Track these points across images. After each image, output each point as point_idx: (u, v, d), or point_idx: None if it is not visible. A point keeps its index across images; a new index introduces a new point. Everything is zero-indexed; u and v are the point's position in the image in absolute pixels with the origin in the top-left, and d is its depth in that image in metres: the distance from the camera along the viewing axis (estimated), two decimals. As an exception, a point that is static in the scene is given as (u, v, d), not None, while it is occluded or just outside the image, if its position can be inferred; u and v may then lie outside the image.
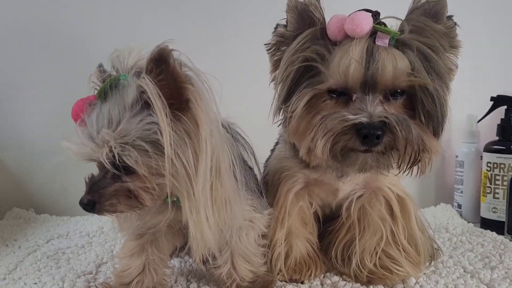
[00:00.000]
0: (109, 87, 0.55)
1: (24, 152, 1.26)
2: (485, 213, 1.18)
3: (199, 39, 1.25)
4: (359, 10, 0.62)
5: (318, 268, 0.79)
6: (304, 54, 0.62)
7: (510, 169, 1.12)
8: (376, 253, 0.75)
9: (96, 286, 0.75)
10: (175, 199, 0.61)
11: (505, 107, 1.18)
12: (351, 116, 0.59)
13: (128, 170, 0.55)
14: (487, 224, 1.17)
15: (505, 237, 1.04)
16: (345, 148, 0.60)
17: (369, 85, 0.60)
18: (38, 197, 1.14)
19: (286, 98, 0.65)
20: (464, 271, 0.82)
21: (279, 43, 0.67)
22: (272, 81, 0.70)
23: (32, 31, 1.23)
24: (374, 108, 0.60)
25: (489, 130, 1.23)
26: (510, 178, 1.08)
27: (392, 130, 0.58)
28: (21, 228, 1.14)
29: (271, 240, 0.75)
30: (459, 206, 1.27)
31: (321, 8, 0.64)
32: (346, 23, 0.60)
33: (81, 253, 0.95)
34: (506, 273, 0.80)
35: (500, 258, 0.89)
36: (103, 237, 1.05)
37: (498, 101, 1.18)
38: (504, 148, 1.15)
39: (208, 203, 0.56)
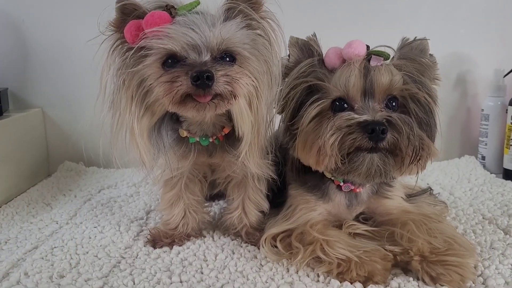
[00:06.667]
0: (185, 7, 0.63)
1: (72, 110, 1.36)
2: (508, 165, 1.22)
3: None
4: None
5: None
6: (305, 79, 0.68)
7: (534, 122, 1.13)
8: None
9: (149, 230, 0.83)
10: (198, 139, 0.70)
11: (532, 62, 1.19)
12: (356, 116, 0.63)
13: (227, 61, 0.63)
14: (509, 175, 1.21)
15: (526, 187, 1.07)
16: (352, 146, 0.61)
17: (368, 93, 0.64)
18: (86, 151, 1.22)
19: (292, 118, 0.70)
20: (483, 218, 0.87)
21: (283, 74, 0.72)
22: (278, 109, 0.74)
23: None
24: (376, 111, 0.64)
25: (515, 85, 1.24)
26: (533, 131, 1.10)
27: (396, 127, 0.61)
28: (74, 179, 1.24)
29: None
30: (483, 158, 1.31)
31: (318, 42, 0.72)
32: (344, 50, 0.66)
33: (131, 201, 1.04)
34: (523, 219, 0.85)
35: (519, 206, 0.93)
36: (149, 187, 1.14)
37: (525, 56, 1.19)
38: (529, 102, 1.17)
39: (262, 124, 0.67)
